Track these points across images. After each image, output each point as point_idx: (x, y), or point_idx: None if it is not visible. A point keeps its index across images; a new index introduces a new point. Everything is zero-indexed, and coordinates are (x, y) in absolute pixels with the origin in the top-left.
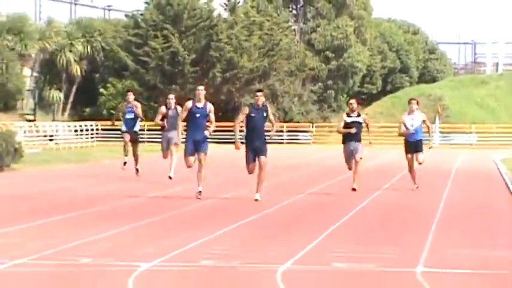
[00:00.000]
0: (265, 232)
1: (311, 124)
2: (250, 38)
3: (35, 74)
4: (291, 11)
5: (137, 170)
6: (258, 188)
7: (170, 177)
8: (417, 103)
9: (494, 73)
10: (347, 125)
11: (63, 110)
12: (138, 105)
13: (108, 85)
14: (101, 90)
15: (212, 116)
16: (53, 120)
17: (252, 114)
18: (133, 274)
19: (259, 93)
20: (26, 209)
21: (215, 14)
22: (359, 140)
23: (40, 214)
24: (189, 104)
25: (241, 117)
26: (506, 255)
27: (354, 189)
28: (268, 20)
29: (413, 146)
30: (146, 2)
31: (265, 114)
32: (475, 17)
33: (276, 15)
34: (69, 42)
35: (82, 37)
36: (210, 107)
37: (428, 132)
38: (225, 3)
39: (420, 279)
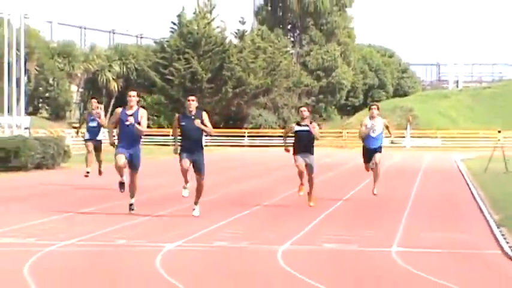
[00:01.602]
0: (266, 220)
1: None
2: (256, 60)
3: (80, 89)
4: (289, 38)
5: (100, 172)
6: (196, 201)
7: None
8: (377, 108)
9: (455, 89)
10: (296, 134)
11: None
12: (102, 113)
13: (140, 99)
14: None
15: (144, 122)
16: None
17: (183, 123)
18: (160, 253)
19: (191, 98)
20: (73, 199)
21: (227, 40)
22: (311, 152)
23: (85, 203)
24: (119, 110)
25: (174, 130)
26: (466, 237)
27: (311, 206)
28: (270, 46)
29: (372, 153)
30: (171, 31)
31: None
32: (439, 42)
33: (277, 42)
34: (108, 64)
35: (119, 60)
36: (142, 112)
37: (389, 133)
38: (235, 32)
39: (395, 257)
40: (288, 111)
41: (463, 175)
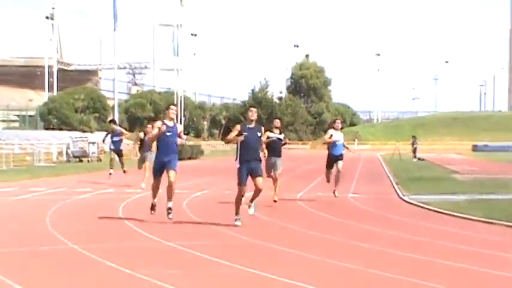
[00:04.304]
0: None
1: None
2: (287, 110)
3: (208, 124)
4: (302, 100)
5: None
6: (252, 202)
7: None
8: (340, 122)
9: (377, 122)
10: (268, 138)
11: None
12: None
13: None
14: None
15: (182, 135)
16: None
17: (245, 133)
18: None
19: (253, 109)
20: (215, 171)
21: (274, 100)
22: (279, 155)
23: (216, 171)
24: (159, 123)
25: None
26: (381, 189)
27: (275, 201)
28: (294, 103)
29: (335, 159)
30: (248, 96)
31: (259, 134)
32: (369, 99)
33: (296, 101)
34: (220, 111)
35: (224, 110)
36: (179, 126)
37: (347, 147)
38: (277, 97)
39: (350, 199)
40: (302, 132)
41: (380, 161)
